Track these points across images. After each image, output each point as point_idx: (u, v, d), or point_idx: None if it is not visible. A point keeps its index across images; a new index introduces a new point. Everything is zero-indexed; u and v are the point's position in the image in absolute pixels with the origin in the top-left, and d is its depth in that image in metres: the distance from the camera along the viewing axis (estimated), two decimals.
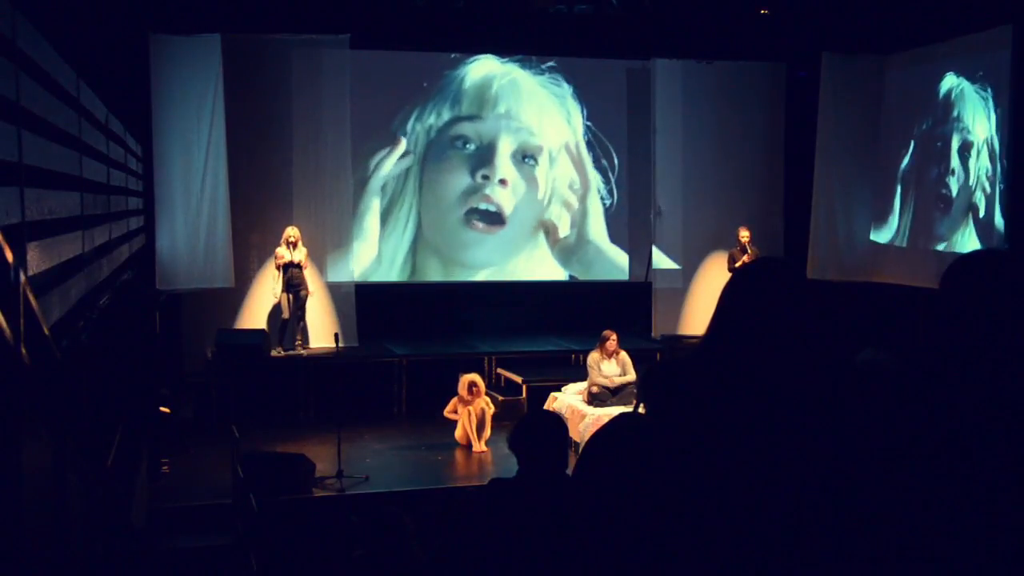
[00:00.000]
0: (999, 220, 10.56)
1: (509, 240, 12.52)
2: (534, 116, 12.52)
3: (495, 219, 12.44)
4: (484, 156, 12.35)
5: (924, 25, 11.41)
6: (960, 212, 11.19)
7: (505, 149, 12.40)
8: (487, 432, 9.34)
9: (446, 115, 12.26)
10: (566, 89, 12.62)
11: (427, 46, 12.03)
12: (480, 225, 12.37)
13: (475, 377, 9.39)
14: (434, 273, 12.42)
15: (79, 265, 5.00)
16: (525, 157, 12.49)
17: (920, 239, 11.83)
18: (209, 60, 10.71)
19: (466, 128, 12.32)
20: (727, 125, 12.73)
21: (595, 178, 12.84)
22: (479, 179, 12.32)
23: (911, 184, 11.94)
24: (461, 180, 12.31)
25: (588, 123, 12.72)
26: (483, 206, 12.35)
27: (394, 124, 12.12)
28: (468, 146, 12.32)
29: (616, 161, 12.85)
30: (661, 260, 12.62)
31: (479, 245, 12.44)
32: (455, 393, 9.44)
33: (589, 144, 12.76)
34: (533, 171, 12.55)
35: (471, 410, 9.29)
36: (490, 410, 9.45)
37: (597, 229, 12.88)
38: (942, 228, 11.47)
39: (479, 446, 9.24)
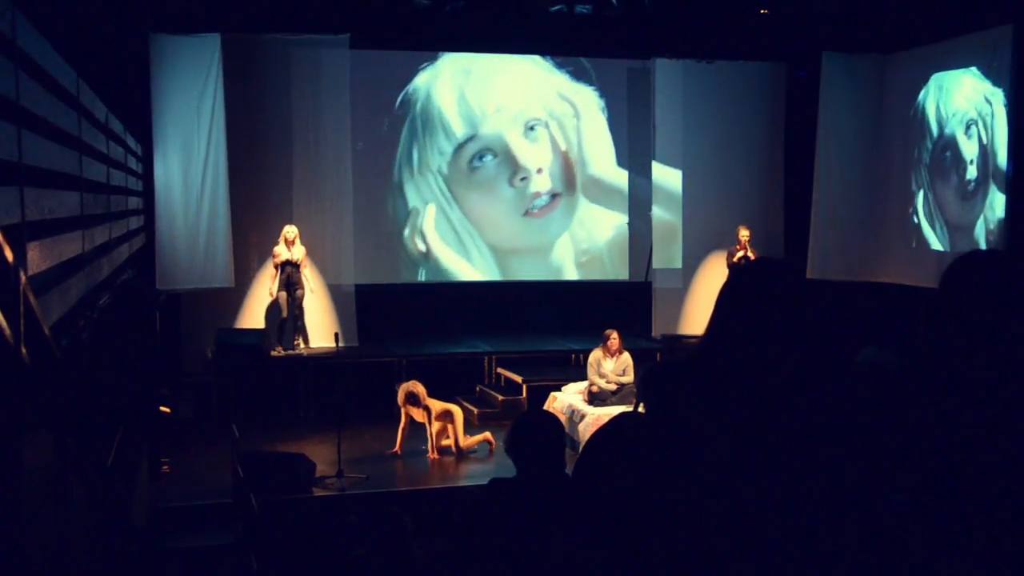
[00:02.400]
0: (994, 223, 10.57)
1: (567, 207, 12.70)
2: (516, 91, 12.45)
3: (553, 201, 12.65)
4: (508, 161, 12.39)
5: (925, 25, 11.41)
6: (961, 212, 11.19)
7: (517, 141, 12.41)
8: (462, 442, 9.07)
9: (448, 148, 12.26)
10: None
11: (427, 46, 12.03)
12: (537, 210, 12.54)
13: (412, 386, 9.03)
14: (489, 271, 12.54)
15: (79, 265, 4.99)
16: (532, 128, 12.47)
17: (920, 238, 11.83)
18: (209, 60, 10.72)
19: (474, 148, 12.33)
20: (727, 125, 12.73)
21: (592, 96, 12.78)
22: (518, 183, 12.39)
23: (911, 182, 11.94)
24: (503, 191, 12.40)
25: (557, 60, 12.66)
26: (538, 203, 12.51)
27: (393, 174, 12.12)
28: (487, 159, 12.35)
29: (590, 69, 12.74)
30: (661, 260, 12.62)
31: (546, 225, 12.63)
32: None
33: (571, 74, 12.67)
34: (546, 133, 12.54)
35: (404, 417, 9.09)
36: (456, 417, 9.09)
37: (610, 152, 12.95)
38: (943, 227, 11.46)
39: (396, 448, 9.10)
